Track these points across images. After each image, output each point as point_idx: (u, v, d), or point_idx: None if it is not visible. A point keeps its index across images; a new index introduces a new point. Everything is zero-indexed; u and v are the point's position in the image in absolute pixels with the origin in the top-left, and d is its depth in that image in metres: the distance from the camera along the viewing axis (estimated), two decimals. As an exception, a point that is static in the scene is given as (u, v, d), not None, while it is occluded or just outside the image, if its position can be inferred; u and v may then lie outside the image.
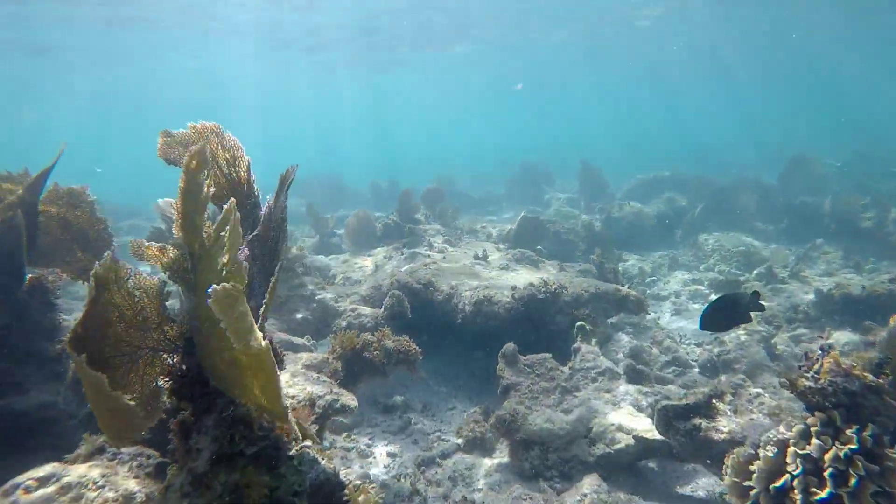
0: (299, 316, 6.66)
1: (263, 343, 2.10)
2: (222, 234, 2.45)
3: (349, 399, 3.98)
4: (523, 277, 8.31)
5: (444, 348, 8.26)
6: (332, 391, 4.05)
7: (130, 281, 2.56)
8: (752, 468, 3.21)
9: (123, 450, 3.10)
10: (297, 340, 5.86)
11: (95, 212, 4.55)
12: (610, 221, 15.05)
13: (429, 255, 9.26)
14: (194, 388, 2.65)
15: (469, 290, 7.30)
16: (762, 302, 3.87)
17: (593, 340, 7.04)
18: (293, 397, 3.98)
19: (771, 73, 48.99)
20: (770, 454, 3.18)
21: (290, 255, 7.23)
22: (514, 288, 7.15)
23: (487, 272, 8.57)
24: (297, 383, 4.19)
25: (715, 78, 51.58)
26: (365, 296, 7.32)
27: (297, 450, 2.62)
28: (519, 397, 5.64)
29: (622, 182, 20.45)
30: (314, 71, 36.34)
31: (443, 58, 32.98)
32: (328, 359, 4.80)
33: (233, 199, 2.48)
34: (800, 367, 3.18)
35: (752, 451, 3.36)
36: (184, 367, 2.68)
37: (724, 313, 3.84)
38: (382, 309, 6.68)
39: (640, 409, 5.47)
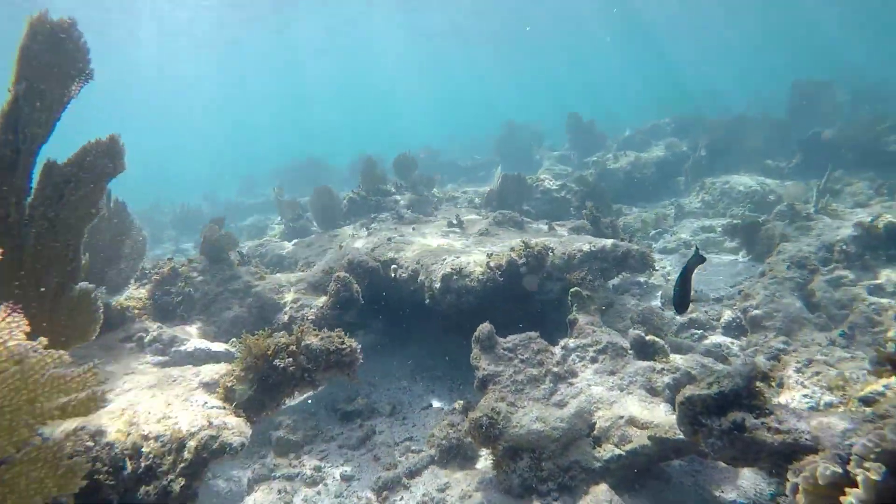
0: (231, 314, 5.43)
1: None
2: None
3: (234, 435, 2.75)
4: (504, 242, 7.04)
5: (416, 335, 7.05)
6: (211, 424, 2.81)
7: None
8: (845, 500, 1.98)
9: None
10: (218, 347, 4.64)
11: None
12: (605, 174, 13.69)
13: (395, 229, 7.98)
14: None
15: (438, 263, 6.03)
16: (703, 254, 3.52)
17: (592, 308, 5.82)
18: (153, 438, 2.75)
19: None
20: (876, 476, 1.93)
21: (214, 237, 5.97)
22: (490, 255, 5.88)
23: (462, 241, 7.30)
24: (170, 414, 2.96)
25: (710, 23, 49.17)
26: (313, 282, 6.07)
27: None
28: (500, 391, 4.41)
29: (618, 135, 18.99)
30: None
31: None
32: (233, 371, 3.57)
33: None
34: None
35: (839, 470, 2.11)
36: None
37: (681, 289, 3.46)
38: (326, 296, 5.43)
39: (655, 391, 4.23)
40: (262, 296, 5.69)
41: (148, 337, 4.56)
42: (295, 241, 9.95)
